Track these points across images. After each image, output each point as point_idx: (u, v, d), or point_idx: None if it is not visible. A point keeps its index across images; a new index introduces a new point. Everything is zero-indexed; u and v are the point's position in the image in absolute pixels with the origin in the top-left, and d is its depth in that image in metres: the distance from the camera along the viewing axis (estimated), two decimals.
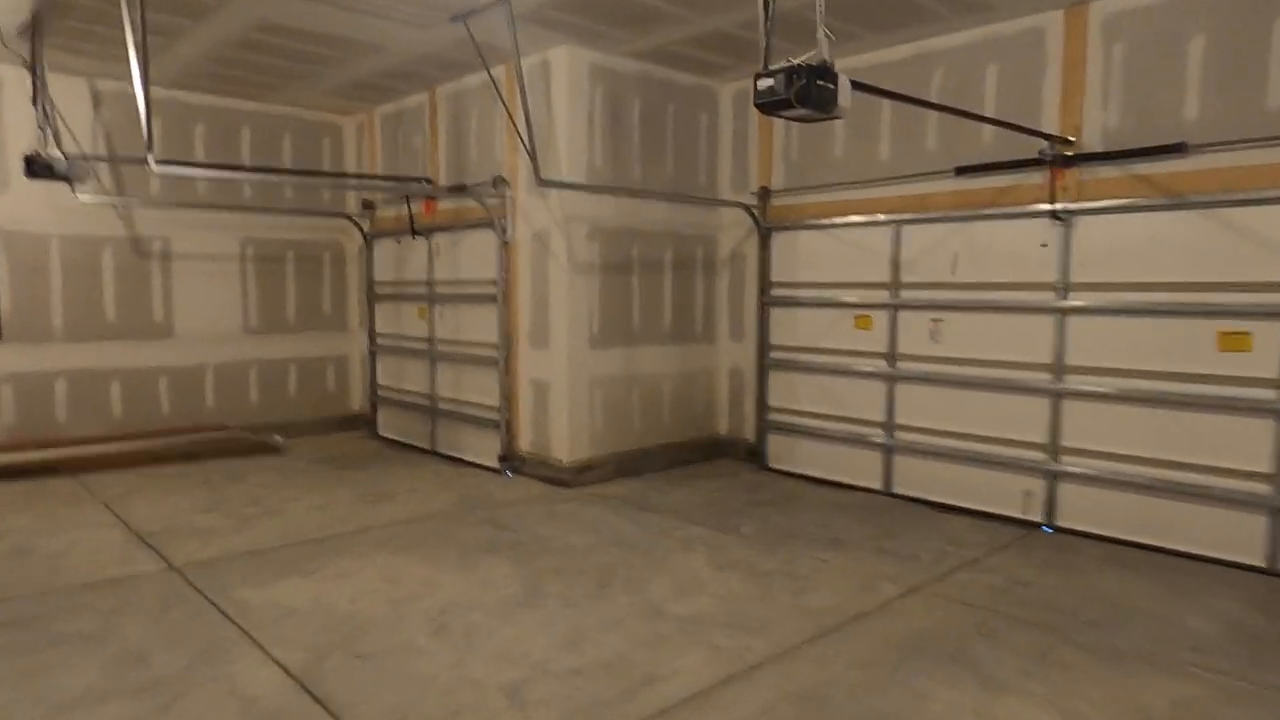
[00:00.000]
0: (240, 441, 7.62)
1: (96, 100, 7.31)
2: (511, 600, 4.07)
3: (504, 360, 6.86)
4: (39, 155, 5.59)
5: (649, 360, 7.02)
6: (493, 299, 6.90)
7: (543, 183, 5.94)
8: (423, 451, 7.81)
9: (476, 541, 4.99)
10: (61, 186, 6.90)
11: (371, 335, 8.62)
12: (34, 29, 5.57)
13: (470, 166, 7.21)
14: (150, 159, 5.09)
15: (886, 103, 6.06)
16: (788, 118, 3.59)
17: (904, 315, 6.15)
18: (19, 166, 6.58)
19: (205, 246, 7.99)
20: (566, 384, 6.46)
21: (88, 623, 3.70)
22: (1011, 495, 5.61)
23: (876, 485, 6.33)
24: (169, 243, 7.79)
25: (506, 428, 6.89)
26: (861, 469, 6.44)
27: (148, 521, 5.35)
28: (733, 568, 4.59)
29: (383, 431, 8.54)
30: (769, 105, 3.41)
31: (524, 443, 6.87)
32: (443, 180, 7.51)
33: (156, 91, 7.55)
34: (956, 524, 5.49)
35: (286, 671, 3.30)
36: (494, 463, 6.94)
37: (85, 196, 7.12)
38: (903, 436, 6.18)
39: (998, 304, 5.64)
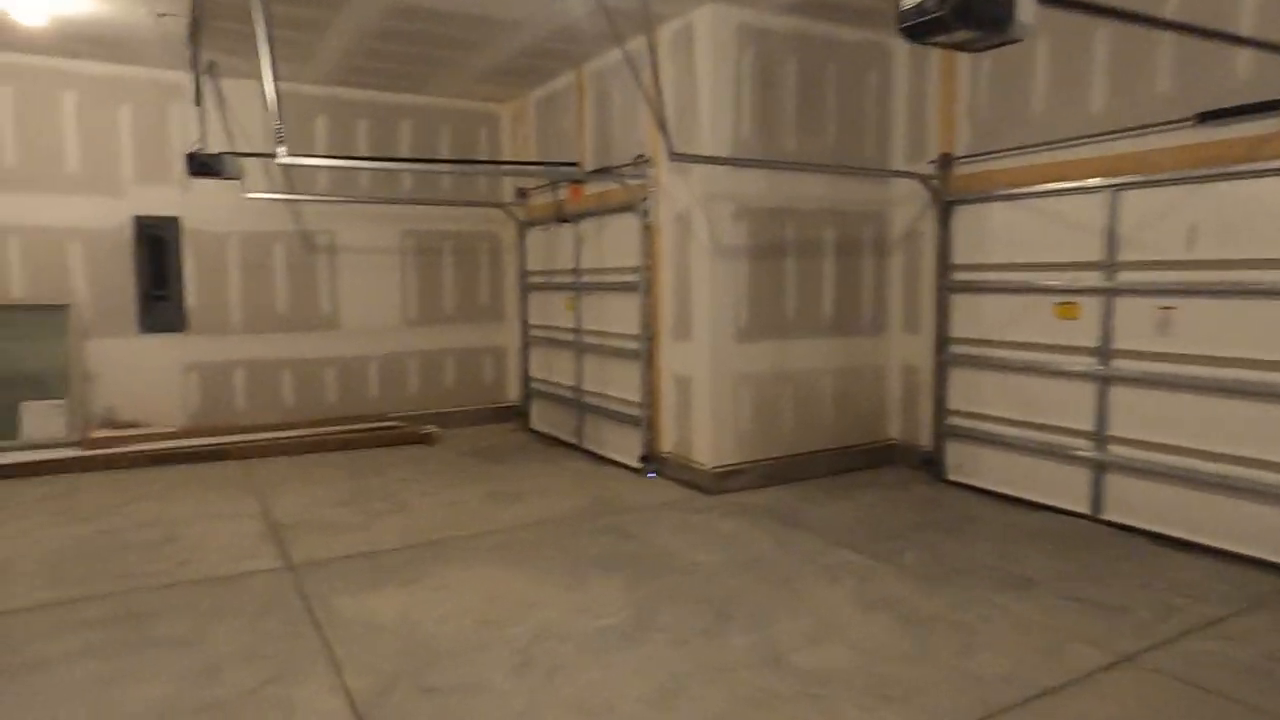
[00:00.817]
0: (396, 433, 7.71)
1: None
2: (612, 632, 3.56)
3: (646, 354, 6.37)
4: (197, 154, 5.80)
5: (805, 355, 6.25)
6: (635, 288, 6.43)
7: (676, 157, 5.36)
8: (569, 447, 7.53)
9: (594, 553, 4.54)
10: (238, 186, 7.28)
11: (525, 326, 8.47)
12: (192, 31, 5.77)
13: (614, 146, 6.78)
14: (280, 150, 5.07)
15: (1099, 33, 4.89)
16: (944, 44, 2.75)
17: (1121, 302, 4.97)
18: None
19: (368, 239, 8.16)
20: (709, 380, 5.86)
21: (184, 625, 3.63)
22: (1274, 533, 4.34)
23: (1080, 508, 5.21)
24: (335, 236, 8.02)
25: (648, 426, 6.42)
26: (1061, 487, 5.33)
27: (287, 513, 5.39)
28: (884, 607, 3.81)
29: (535, 424, 8.37)
30: (918, 28, 2.61)
31: (666, 442, 6.35)
32: (589, 163, 7.14)
33: (318, 89, 7.80)
34: (1190, 567, 4.33)
35: (351, 701, 3.00)
36: (635, 463, 6.50)
37: (256, 194, 7.46)
38: (1118, 451, 5.02)
39: (1253, 287, 4.37)
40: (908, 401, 6.56)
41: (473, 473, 6.53)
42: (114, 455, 6.63)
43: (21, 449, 6.53)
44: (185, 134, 7.16)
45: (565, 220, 7.43)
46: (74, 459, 6.51)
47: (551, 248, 7.92)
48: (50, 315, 6.87)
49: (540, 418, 8.29)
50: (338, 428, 7.62)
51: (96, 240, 7.03)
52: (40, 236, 6.84)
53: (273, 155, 7.07)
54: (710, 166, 5.71)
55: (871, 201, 6.44)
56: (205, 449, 6.92)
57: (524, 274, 8.43)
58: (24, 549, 4.66)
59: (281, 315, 7.81)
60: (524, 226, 8.38)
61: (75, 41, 6.34)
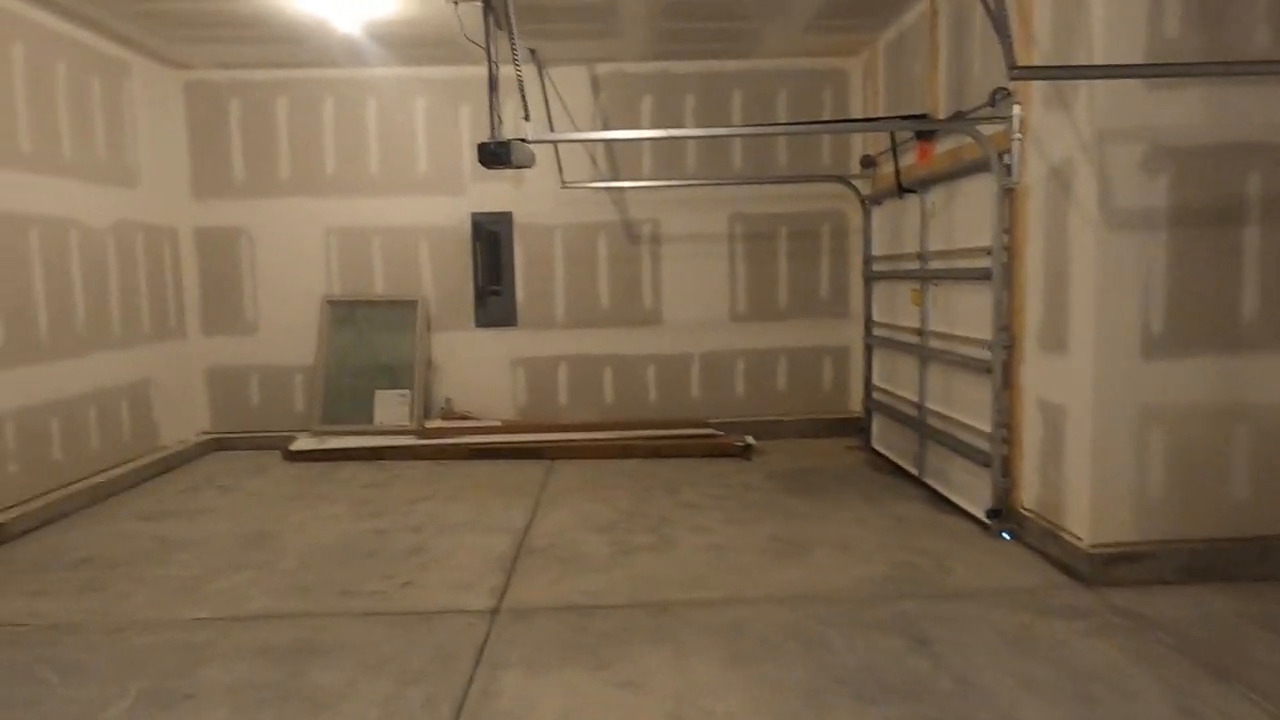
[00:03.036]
0: (708, 442, 6.86)
1: (595, 86, 7.26)
2: None
3: (1000, 367, 4.57)
4: (487, 143, 5.52)
5: (1276, 380, 3.90)
6: (987, 276, 4.65)
7: (1045, 73, 3.56)
8: (906, 477, 5.93)
9: (858, 668, 3.12)
10: (558, 178, 7.06)
11: (867, 323, 6.98)
12: (491, 20, 5.50)
13: (971, 85, 5.02)
14: (527, 129, 4.48)
15: None
16: None
17: None
18: (540, 163, 6.83)
19: (693, 226, 7.42)
20: (1094, 413, 3.91)
21: (339, 677, 3.16)
22: None
23: None
24: (658, 225, 7.42)
25: (1002, 468, 4.61)
26: None
27: (545, 533, 4.85)
28: None
29: (875, 443, 6.86)
30: None
31: (1026, 494, 4.50)
32: (942, 111, 5.45)
33: (643, 66, 7.22)
34: None
35: None
36: (983, 515, 4.74)
37: (576, 184, 7.16)
38: None
39: None
40: None
41: (770, 504, 5.37)
42: (440, 446, 6.84)
43: (372, 434, 7.06)
44: (518, 126, 7.11)
45: (908, 190, 5.81)
46: (408, 447, 6.85)
47: (897, 226, 6.33)
48: (403, 310, 7.36)
49: (881, 436, 6.76)
50: (649, 432, 7.02)
51: (440, 238, 7.35)
52: (397, 236, 7.35)
53: (553, 141, 6.70)
54: (1108, 87, 3.75)
55: None
56: (519, 446, 6.82)
57: (868, 260, 6.94)
58: (299, 543, 4.76)
59: (604, 310, 7.46)
60: (869, 202, 6.89)
61: (410, 47, 6.58)
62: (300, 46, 6.48)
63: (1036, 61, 4.18)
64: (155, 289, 6.78)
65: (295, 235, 7.30)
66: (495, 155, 5.45)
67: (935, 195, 5.54)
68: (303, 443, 6.96)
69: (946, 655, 3.21)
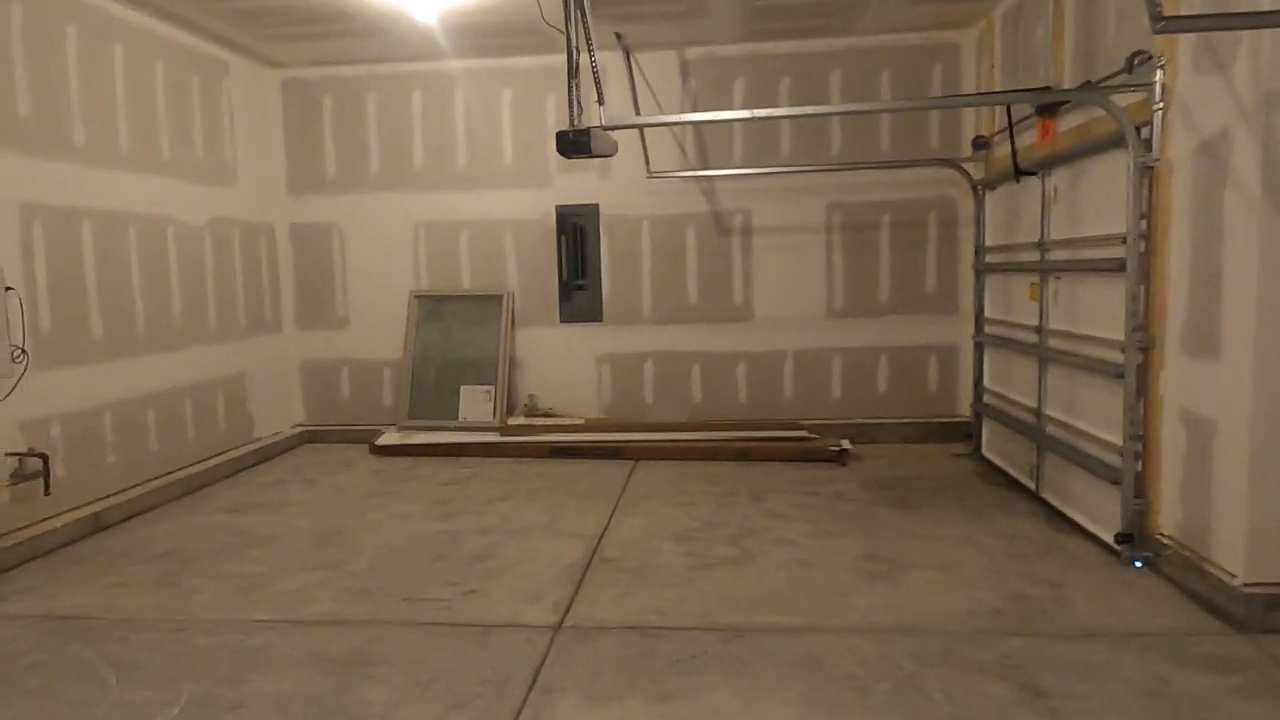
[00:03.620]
0: (800, 445, 6.44)
1: (685, 70, 6.94)
2: None
3: (1134, 372, 4.00)
4: (566, 132, 5.29)
5: None
6: (1120, 267, 4.07)
7: (1166, 26, 3.02)
8: (1020, 490, 5.36)
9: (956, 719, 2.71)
10: (644, 168, 6.80)
11: (978, 320, 6.39)
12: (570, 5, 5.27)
13: (1103, 51, 4.42)
14: (601, 113, 4.20)
15: None
16: None
17: None
18: (626, 153, 6.63)
19: (787, 217, 7.00)
20: (1252, 428, 3.33)
21: (387, 694, 2.99)
22: None
23: None
24: (750, 216, 7.04)
25: (1135, 486, 4.04)
26: None
27: (619, 541, 4.60)
28: None
29: (985, 450, 6.28)
30: None
31: (1164, 519, 3.91)
32: (1068, 82, 4.85)
33: (735, 49, 6.87)
34: None
35: None
36: (1111, 539, 4.17)
37: (663, 173, 6.87)
38: None
39: None
40: None
41: (864, 517, 4.94)
42: (521, 444, 6.70)
43: (455, 430, 7.00)
44: (599, 113, 6.88)
45: (1026, 173, 5.22)
46: (490, 444, 6.74)
47: (1013, 213, 5.74)
48: (488, 304, 7.26)
49: (992, 443, 6.18)
50: (737, 434, 6.66)
51: (526, 231, 7.21)
52: (483, 230, 7.25)
53: (637, 125, 6.38)
54: (1278, 40, 3.16)
55: None
56: (602, 445, 6.60)
57: (980, 250, 6.35)
58: (371, 542, 4.68)
59: (692, 305, 7.14)
60: (982, 188, 6.29)
61: (492, 36, 6.43)
62: (383, 40, 6.44)
63: (1185, 13, 3.59)
64: (251, 284, 6.92)
65: (384, 230, 7.32)
66: (575, 144, 5.22)
67: (1058, 177, 4.95)
68: (389, 437, 6.97)
69: (1064, 711, 2.75)
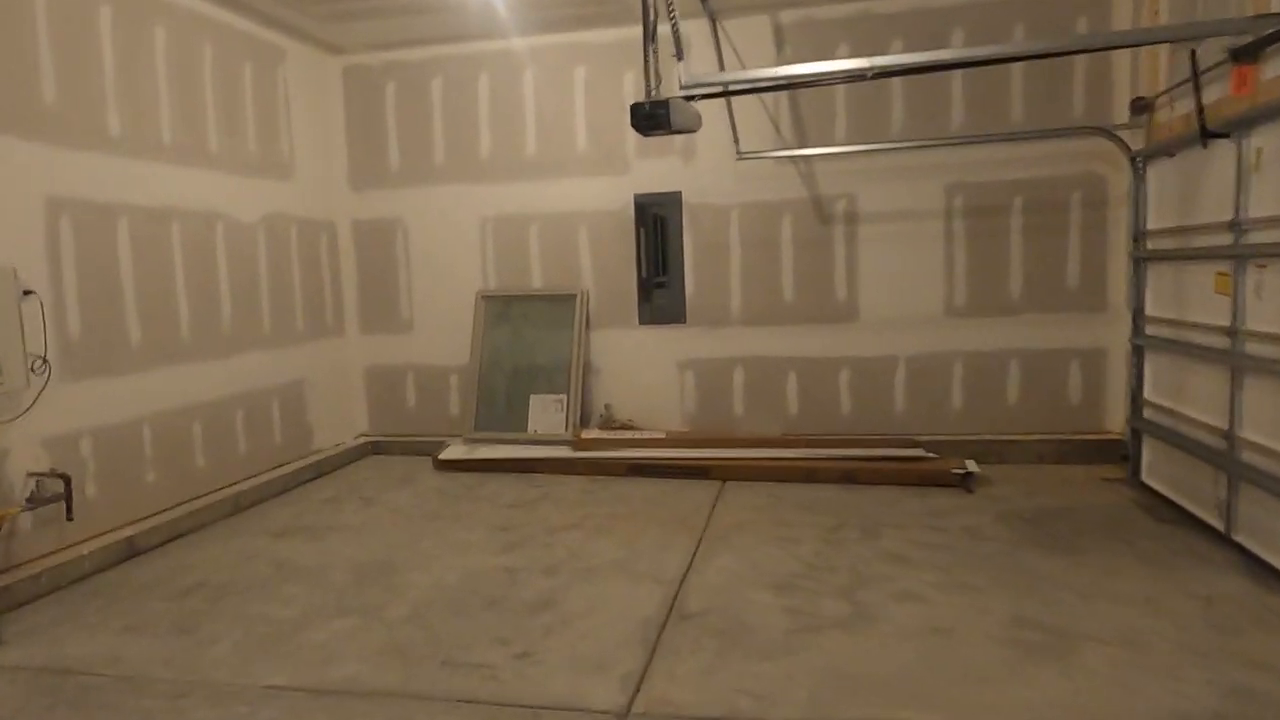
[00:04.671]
0: (916, 467, 5.53)
1: (779, 37, 6.11)
2: None
3: None
4: (641, 104, 4.56)
5: None
6: None
7: None
8: (1203, 529, 4.33)
9: None
10: (733, 150, 6.02)
11: (1137, 318, 5.33)
12: None
13: None
14: (680, 70, 3.44)
15: None
16: None
17: None
18: (712, 131, 5.93)
19: (898, 201, 6.07)
20: None
21: None
22: None
23: None
24: (855, 201, 6.14)
25: None
26: None
27: (705, 589, 3.84)
28: None
29: (1146, 476, 5.23)
30: None
31: None
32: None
33: (835, 9, 6.00)
34: None
35: None
36: None
37: (753, 153, 6.06)
38: None
39: None
40: None
41: (1009, 563, 4.02)
42: (596, 460, 6.01)
43: (525, 443, 6.37)
44: (688, 72, 6.13)
45: (1215, 135, 4.18)
46: (561, 460, 6.08)
47: (1189, 188, 4.68)
48: (561, 305, 6.61)
49: (1157, 468, 5.12)
50: (842, 452, 5.79)
51: (600, 223, 6.52)
52: (554, 223, 6.60)
53: (721, 86, 5.52)
54: None
55: None
56: (685, 464, 5.85)
57: (1139, 235, 5.29)
58: (419, 581, 4.05)
59: (788, 304, 6.30)
60: (1142, 160, 5.23)
61: (563, 6, 5.77)
62: (446, 16, 5.87)
63: None
64: (310, 285, 6.47)
65: (450, 225, 6.77)
66: (651, 117, 4.52)
67: (1262, 138, 3.90)
68: (453, 451, 6.40)
69: None
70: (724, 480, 5.74)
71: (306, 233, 6.44)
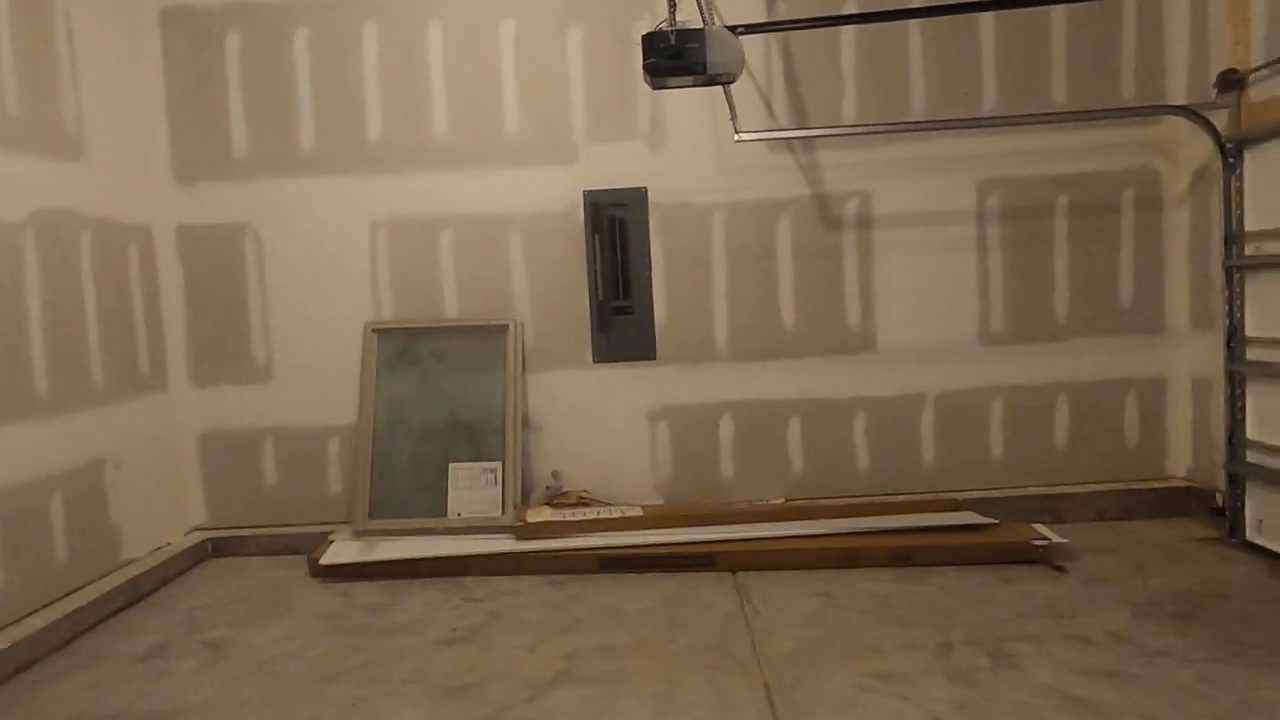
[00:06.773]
0: (984, 542, 4.25)
1: None
2: None
3: None
4: (666, 33, 3.05)
5: None
6: None
7: None
8: None
9: None
10: (725, 134, 4.61)
11: (1232, 339, 4.34)
12: None
13: None
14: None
15: None
16: None
17: None
18: (687, 109, 4.50)
19: (921, 200, 4.87)
20: None
21: None
22: None
23: None
24: (868, 200, 4.88)
25: None
26: None
27: None
28: None
29: (1250, 533, 4.21)
30: None
31: None
32: None
33: None
34: None
35: None
36: None
37: (751, 134, 4.66)
38: None
39: None
40: None
41: (1220, 691, 2.74)
42: (554, 553, 4.33)
43: (445, 532, 4.58)
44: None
45: None
46: (503, 555, 4.36)
47: None
48: (487, 340, 4.90)
49: (1274, 524, 4.10)
50: (879, 523, 4.44)
51: (539, 230, 4.90)
52: (476, 230, 4.91)
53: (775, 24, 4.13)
54: None
55: None
56: (678, 552, 4.29)
57: (1232, 239, 4.32)
58: None
59: (787, 332, 4.93)
60: (1234, 147, 4.28)
61: None
62: None
63: None
64: (114, 318, 4.40)
65: (325, 232, 4.91)
66: (679, 54, 3.05)
67: None
68: (341, 550, 4.50)
69: None
70: (734, 571, 4.23)
71: (107, 240, 4.38)
